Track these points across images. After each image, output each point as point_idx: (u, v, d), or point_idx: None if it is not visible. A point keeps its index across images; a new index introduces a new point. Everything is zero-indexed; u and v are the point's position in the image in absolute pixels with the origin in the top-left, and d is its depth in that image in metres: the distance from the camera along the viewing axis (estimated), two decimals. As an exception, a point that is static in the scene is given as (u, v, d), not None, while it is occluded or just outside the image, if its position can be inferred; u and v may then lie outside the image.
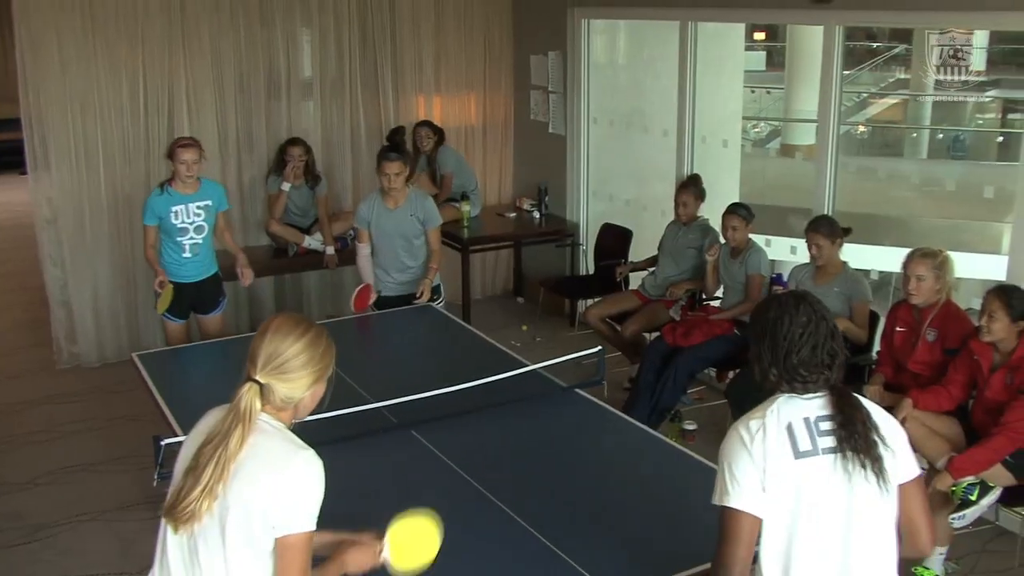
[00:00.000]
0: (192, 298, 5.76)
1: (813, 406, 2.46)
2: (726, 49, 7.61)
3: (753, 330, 2.58)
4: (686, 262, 6.40)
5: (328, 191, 7.38)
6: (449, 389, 4.21)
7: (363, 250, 5.92)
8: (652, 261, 6.73)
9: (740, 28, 7.97)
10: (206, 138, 7.10)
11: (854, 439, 2.41)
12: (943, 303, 4.68)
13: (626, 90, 8.04)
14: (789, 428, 2.42)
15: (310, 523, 2.31)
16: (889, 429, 2.50)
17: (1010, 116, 14.12)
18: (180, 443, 3.84)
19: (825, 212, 5.71)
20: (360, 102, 7.88)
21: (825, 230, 5.32)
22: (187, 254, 5.65)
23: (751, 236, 5.91)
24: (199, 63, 7.15)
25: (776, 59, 16.92)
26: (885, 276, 7.97)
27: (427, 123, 7.82)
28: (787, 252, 6.97)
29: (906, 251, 4.78)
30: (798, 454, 2.41)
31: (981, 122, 15.00)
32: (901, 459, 2.49)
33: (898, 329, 4.89)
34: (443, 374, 4.46)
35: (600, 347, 4.72)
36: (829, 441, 2.42)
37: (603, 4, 7.52)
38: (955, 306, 4.70)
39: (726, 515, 2.43)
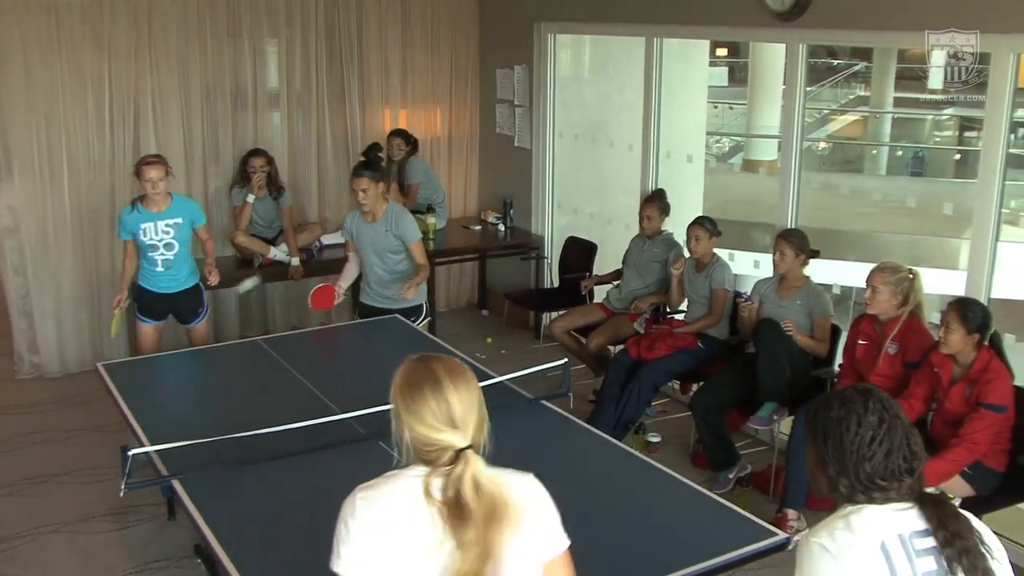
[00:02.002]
0: (169, 308, 5.81)
1: (905, 520, 2.10)
2: (690, 65, 7.69)
3: (812, 430, 2.19)
4: (651, 276, 6.45)
5: (293, 202, 7.37)
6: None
7: (351, 258, 6.01)
8: (617, 274, 6.77)
9: (705, 45, 8.06)
10: (172, 149, 7.09)
11: (963, 560, 2.04)
12: (905, 317, 4.75)
13: (591, 104, 8.10)
14: (884, 548, 2.05)
15: (566, 536, 2.21)
16: (991, 539, 2.15)
17: (967, 134, 14.35)
18: (147, 453, 3.88)
19: (789, 227, 5.77)
20: (326, 114, 7.86)
21: (794, 241, 5.40)
22: (160, 268, 5.70)
23: (716, 251, 5.97)
24: (165, 74, 7.10)
25: (738, 75, 17.12)
26: (846, 291, 8.08)
27: (401, 132, 7.81)
28: (750, 266, 7.05)
29: (868, 266, 4.86)
30: None
31: (939, 140, 15.24)
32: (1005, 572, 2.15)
33: (860, 342, 4.96)
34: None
35: (566, 359, 4.74)
36: (930, 563, 2.06)
37: (569, 19, 7.55)
38: (917, 320, 4.76)
39: None
